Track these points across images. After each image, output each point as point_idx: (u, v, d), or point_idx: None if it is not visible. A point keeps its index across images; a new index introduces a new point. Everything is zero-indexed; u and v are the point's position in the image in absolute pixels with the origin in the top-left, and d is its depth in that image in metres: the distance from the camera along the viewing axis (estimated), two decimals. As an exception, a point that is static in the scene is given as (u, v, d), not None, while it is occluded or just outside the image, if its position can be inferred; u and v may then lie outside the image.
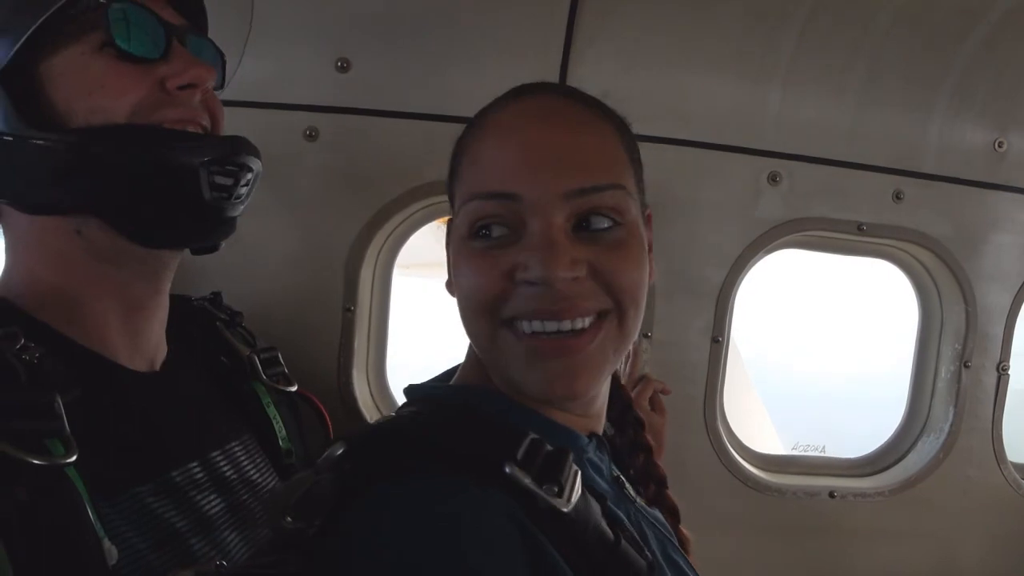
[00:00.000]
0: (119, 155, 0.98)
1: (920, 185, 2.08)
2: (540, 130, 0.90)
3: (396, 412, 0.96)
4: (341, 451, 0.83)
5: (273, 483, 1.23)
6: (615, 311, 0.90)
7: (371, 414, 1.92)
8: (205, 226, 1.08)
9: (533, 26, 1.80)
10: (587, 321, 0.88)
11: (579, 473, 0.86)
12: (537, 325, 0.87)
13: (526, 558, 0.77)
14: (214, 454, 1.12)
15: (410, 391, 1.03)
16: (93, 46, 1.00)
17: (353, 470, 0.82)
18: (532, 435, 0.85)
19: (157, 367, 1.13)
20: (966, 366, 2.21)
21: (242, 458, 1.18)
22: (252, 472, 1.19)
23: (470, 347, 1.02)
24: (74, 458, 0.82)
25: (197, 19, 1.18)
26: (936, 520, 2.26)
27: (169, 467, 1.03)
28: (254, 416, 1.28)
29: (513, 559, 0.76)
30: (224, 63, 1.21)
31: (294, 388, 1.38)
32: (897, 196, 2.07)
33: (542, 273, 0.84)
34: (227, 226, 1.11)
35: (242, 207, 1.12)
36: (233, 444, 1.18)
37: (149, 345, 1.11)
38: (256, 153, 1.12)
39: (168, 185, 1.01)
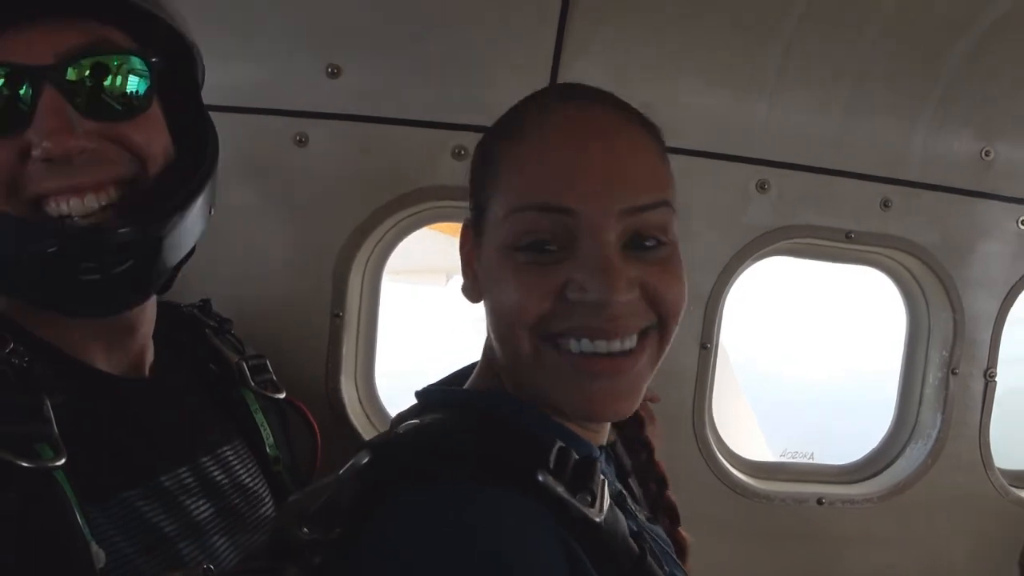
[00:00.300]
0: None
1: (907, 193, 2.09)
2: (596, 145, 0.88)
3: (417, 418, 0.94)
4: (367, 460, 0.82)
5: (263, 490, 1.22)
6: (658, 327, 0.90)
7: (359, 421, 1.92)
8: (107, 306, 1.00)
9: (523, 36, 1.80)
10: (634, 340, 0.88)
11: (606, 482, 0.86)
12: (587, 344, 0.86)
13: (565, 566, 0.77)
14: (204, 459, 1.12)
15: (424, 395, 1.01)
16: None
17: (378, 478, 0.81)
18: (560, 443, 0.84)
19: (146, 373, 1.13)
20: (954, 373, 2.22)
21: (234, 463, 1.18)
22: (244, 477, 1.19)
23: (485, 351, 1.00)
24: (62, 462, 0.82)
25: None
26: (925, 526, 2.27)
27: (159, 472, 1.02)
28: (243, 423, 1.28)
29: (548, 566, 0.75)
30: (152, 67, 0.99)
31: (282, 395, 1.38)
32: (885, 204, 2.08)
33: (601, 296, 0.83)
34: (132, 297, 1.02)
35: (153, 272, 1.00)
36: (225, 449, 1.18)
37: (132, 354, 1.10)
38: (141, 224, 0.95)
39: (36, 276, 0.93)
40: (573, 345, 0.86)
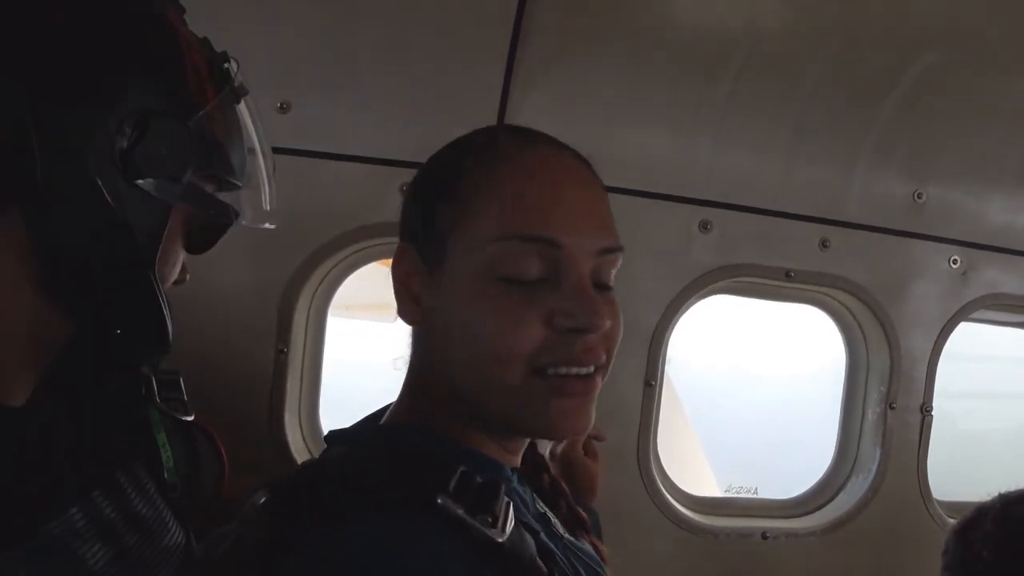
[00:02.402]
0: None
1: (845, 234, 2.16)
2: (578, 184, 0.93)
3: (321, 455, 0.95)
4: (264, 500, 0.82)
5: (166, 516, 1.08)
6: (604, 365, 0.94)
7: (302, 458, 1.88)
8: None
9: (472, 77, 1.83)
10: (592, 368, 0.92)
11: (511, 504, 0.86)
12: (564, 369, 0.89)
13: None
14: (96, 493, 0.97)
15: (332, 438, 1.02)
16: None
17: (278, 518, 0.80)
18: (462, 468, 0.85)
19: (20, 401, 0.96)
20: (891, 408, 2.27)
21: (128, 490, 1.03)
22: (139, 506, 1.04)
23: (406, 391, 1.01)
24: None
25: None
26: (866, 559, 2.30)
27: (45, 519, 0.88)
28: (144, 442, 1.17)
29: None
30: None
31: (190, 417, 1.26)
32: (823, 244, 2.14)
33: (589, 322, 0.87)
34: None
35: None
36: (117, 474, 1.03)
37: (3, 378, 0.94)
38: None
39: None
40: (551, 369, 0.89)
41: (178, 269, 1.02)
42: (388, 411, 1.04)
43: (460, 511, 0.80)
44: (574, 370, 0.90)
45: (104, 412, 1.12)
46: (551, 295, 0.88)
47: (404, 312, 0.96)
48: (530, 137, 0.97)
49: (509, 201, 0.90)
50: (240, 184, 1.08)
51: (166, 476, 1.16)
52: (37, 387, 0.98)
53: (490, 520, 0.81)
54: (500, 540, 0.81)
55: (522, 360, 0.88)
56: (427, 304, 0.95)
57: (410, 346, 1.02)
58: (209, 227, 1.07)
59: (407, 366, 1.02)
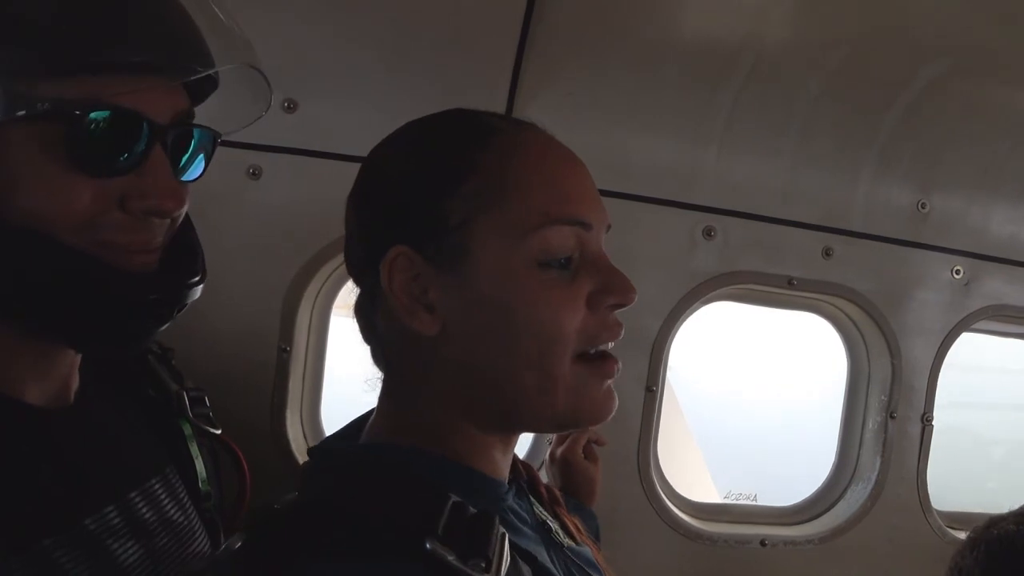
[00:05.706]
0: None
1: (848, 242, 2.16)
2: (580, 164, 0.93)
3: (304, 485, 0.90)
4: (239, 544, 0.79)
5: (195, 523, 1.16)
6: None
7: (303, 456, 1.89)
8: (134, 343, 1.00)
9: (478, 81, 1.84)
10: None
11: (506, 536, 0.82)
12: (603, 345, 0.89)
13: None
14: (133, 494, 1.04)
15: (315, 454, 0.97)
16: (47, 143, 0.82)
17: (253, 564, 0.77)
18: (453, 498, 0.81)
19: (71, 400, 1.03)
20: (892, 417, 2.27)
21: (162, 496, 1.10)
22: (172, 511, 1.11)
23: (392, 405, 0.96)
24: None
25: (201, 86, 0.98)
26: (865, 568, 2.30)
27: (82, 514, 0.94)
28: (176, 452, 1.20)
29: None
30: (215, 141, 1.02)
31: (218, 431, 1.30)
32: (826, 252, 2.14)
33: (627, 296, 0.88)
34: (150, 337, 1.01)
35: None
36: (153, 481, 1.10)
37: (60, 379, 1.01)
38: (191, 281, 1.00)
39: (100, 316, 0.92)
40: (592, 348, 0.89)
41: (76, 199, 0.85)
42: (369, 425, 0.98)
43: (450, 558, 0.75)
44: (610, 344, 0.90)
45: (142, 421, 1.17)
46: (584, 276, 0.87)
47: (418, 323, 0.88)
48: (517, 123, 0.95)
49: (539, 186, 0.88)
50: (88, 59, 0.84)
51: (200, 486, 1.19)
52: (79, 390, 1.04)
53: (483, 565, 0.76)
54: None
55: (572, 344, 0.86)
56: (446, 308, 0.88)
57: (394, 360, 0.96)
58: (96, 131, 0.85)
59: (392, 380, 0.96)
